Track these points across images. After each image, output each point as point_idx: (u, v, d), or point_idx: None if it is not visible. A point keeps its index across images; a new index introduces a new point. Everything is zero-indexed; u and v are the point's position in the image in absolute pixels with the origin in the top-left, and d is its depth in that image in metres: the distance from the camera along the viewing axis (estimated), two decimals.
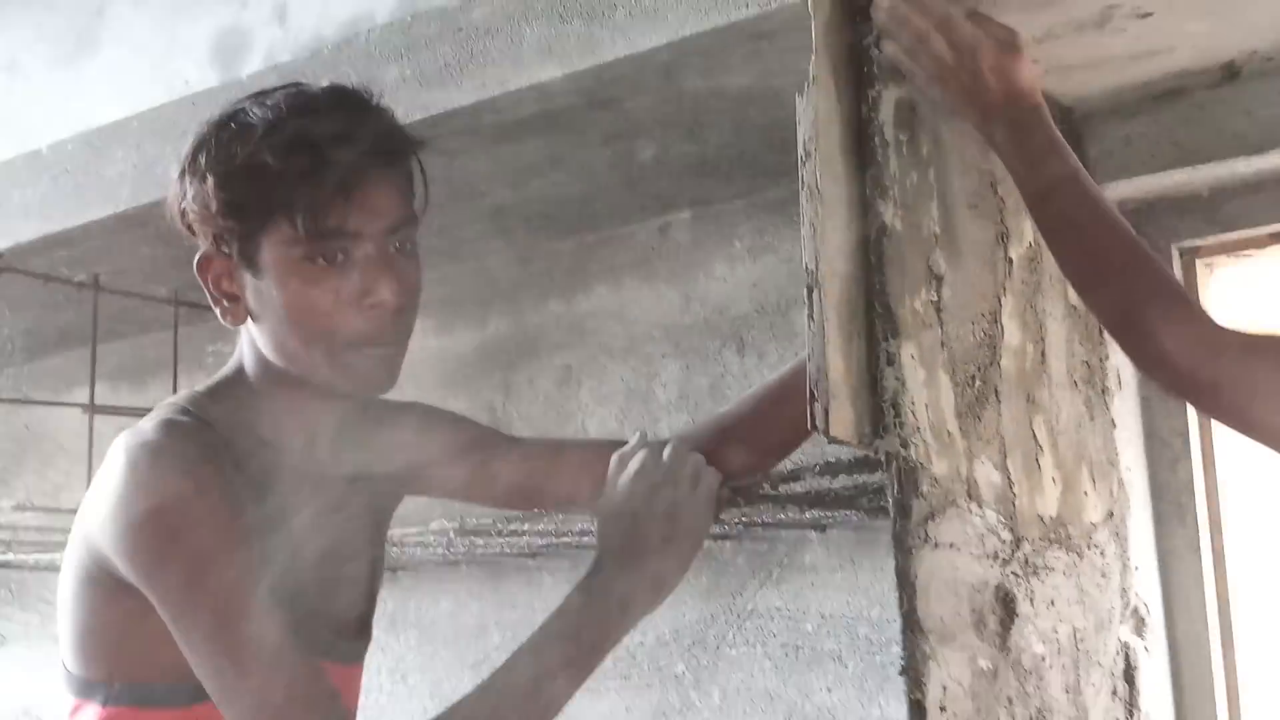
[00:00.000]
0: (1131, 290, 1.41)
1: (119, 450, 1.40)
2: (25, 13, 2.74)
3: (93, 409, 2.32)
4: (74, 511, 1.49)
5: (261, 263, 1.42)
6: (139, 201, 2.22)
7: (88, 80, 2.61)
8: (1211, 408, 1.44)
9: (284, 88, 1.48)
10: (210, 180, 1.42)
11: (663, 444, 1.54)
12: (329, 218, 1.38)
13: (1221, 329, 1.36)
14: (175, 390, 2.31)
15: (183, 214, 1.47)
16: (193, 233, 1.47)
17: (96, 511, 1.41)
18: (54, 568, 2.53)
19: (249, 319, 1.47)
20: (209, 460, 1.41)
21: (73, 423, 2.45)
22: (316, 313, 1.41)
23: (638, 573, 1.46)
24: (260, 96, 1.47)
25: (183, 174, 1.47)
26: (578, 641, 1.45)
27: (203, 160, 1.44)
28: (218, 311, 1.48)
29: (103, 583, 1.43)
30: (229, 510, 1.38)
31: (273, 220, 1.39)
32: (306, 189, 1.38)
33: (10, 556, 2.41)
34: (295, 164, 1.38)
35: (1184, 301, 1.41)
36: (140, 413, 1.47)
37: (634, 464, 1.51)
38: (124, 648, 1.46)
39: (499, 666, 1.43)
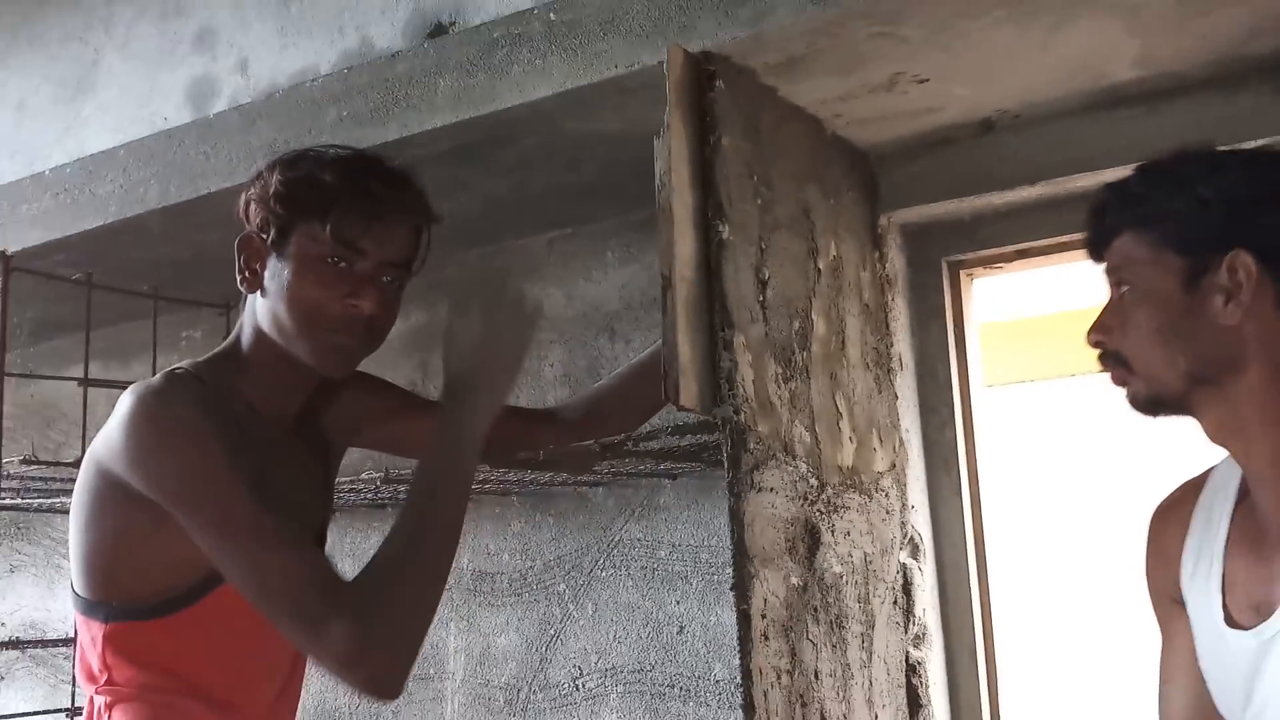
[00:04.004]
0: None
1: (130, 395, 1.38)
2: (33, 62, 2.66)
3: (86, 382, 2.26)
4: (73, 465, 1.45)
5: (287, 249, 1.45)
6: (124, 215, 2.17)
7: (84, 117, 2.54)
8: None
9: (348, 148, 1.54)
10: (277, 177, 1.46)
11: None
12: (352, 233, 1.43)
13: None
14: (154, 366, 2.26)
15: (247, 204, 1.49)
16: (247, 219, 1.49)
17: (111, 444, 1.38)
18: (55, 510, 2.47)
19: (259, 292, 1.47)
20: (201, 401, 1.40)
21: (70, 393, 2.39)
22: (312, 295, 1.44)
23: (473, 390, 1.44)
24: (329, 146, 1.52)
25: (257, 177, 1.50)
26: (445, 464, 1.42)
27: (276, 167, 1.48)
28: (240, 279, 1.49)
29: (116, 502, 1.39)
30: (219, 436, 1.37)
31: (312, 219, 1.44)
32: (347, 207, 1.43)
33: (20, 501, 2.35)
34: (345, 187, 1.44)
35: None
36: (125, 385, 1.44)
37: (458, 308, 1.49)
38: (121, 570, 1.42)
39: (402, 505, 1.41)
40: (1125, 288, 1.26)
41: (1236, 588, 1.23)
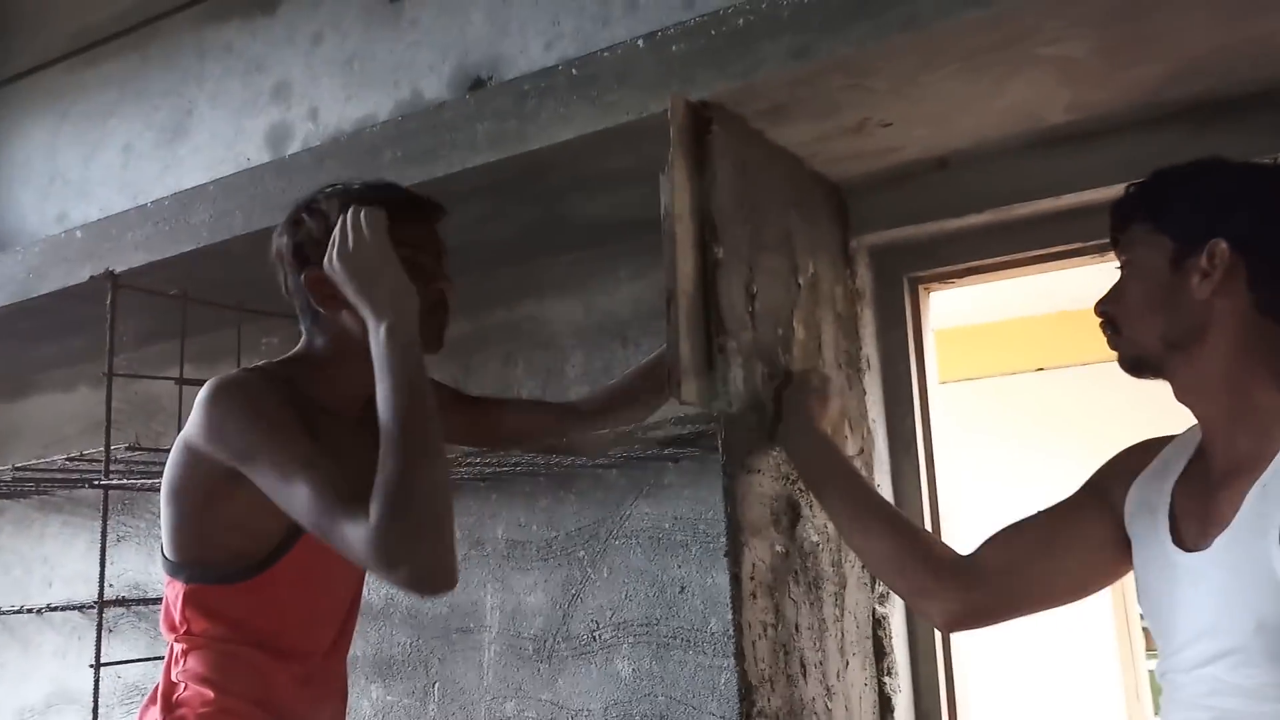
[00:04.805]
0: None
1: (209, 385, 1.39)
2: (138, 111, 2.66)
3: (181, 381, 2.26)
4: (169, 451, 1.45)
5: None
6: (214, 240, 2.17)
7: (179, 157, 2.55)
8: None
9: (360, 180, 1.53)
10: (338, 219, 1.44)
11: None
12: (410, 234, 1.45)
13: None
14: (238, 367, 2.26)
15: (298, 245, 1.47)
16: (308, 259, 1.46)
17: (192, 422, 1.39)
18: (155, 489, 2.46)
19: (342, 313, 1.45)
20: (267, 383, 1.41)
21: (168, 391, 2.39)
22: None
23: (381, 309, 1.37)
24: (341, 183, 1.52)
25: (298, 224, 1.48)
26: (396, 368, 1.34)
27: (322, 210, 1.47)
28: (324, 308, 1.46)
29: (198, 475, 1.40)
30: (282, 406, 1.37)
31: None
32: (397, 218, 1.43)
33: (126, 481, 2.35)
34: (392, 205, 1.45)
35: None
36: None
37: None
38: (200, 539, 1.44)
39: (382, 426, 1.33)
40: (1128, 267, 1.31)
41: (1180, 519, 1.27)
